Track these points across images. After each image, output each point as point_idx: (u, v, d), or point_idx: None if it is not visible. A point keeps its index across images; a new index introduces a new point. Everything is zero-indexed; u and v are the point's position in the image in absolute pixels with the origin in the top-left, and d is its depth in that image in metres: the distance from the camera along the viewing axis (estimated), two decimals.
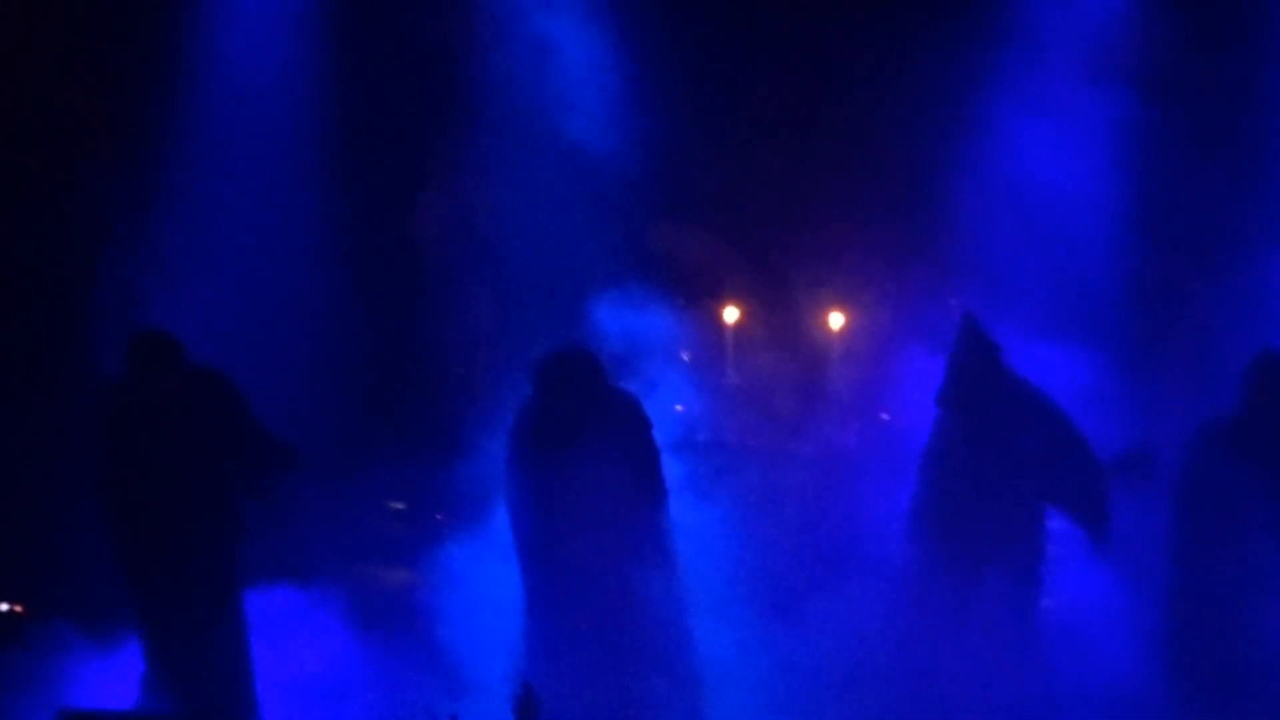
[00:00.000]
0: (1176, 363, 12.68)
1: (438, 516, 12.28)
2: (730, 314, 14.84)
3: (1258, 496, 11.00)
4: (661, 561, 11.53)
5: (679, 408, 12.36)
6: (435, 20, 13.14)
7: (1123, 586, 11.58)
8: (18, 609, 13.09)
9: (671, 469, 11.74)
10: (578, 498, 11.43)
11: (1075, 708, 11.27)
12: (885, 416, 13.11)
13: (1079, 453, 11.41)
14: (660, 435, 11.71)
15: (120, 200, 13.57)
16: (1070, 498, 11.42)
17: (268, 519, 11.56)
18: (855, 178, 13.89)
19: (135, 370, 11.48)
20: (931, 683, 11.20)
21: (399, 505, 13.21)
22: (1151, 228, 12.82)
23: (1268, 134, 12.70)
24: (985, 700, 11.02)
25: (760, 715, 11.40)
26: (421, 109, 13.40)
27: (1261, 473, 11.06)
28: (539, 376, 11.65)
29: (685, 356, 12.65)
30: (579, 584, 11.33)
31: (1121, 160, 12.83)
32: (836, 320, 15.20)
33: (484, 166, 12.99)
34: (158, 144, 13.50)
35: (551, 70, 12.75)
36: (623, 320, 12.18)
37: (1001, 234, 12.74)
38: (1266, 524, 10.97)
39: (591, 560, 11.35)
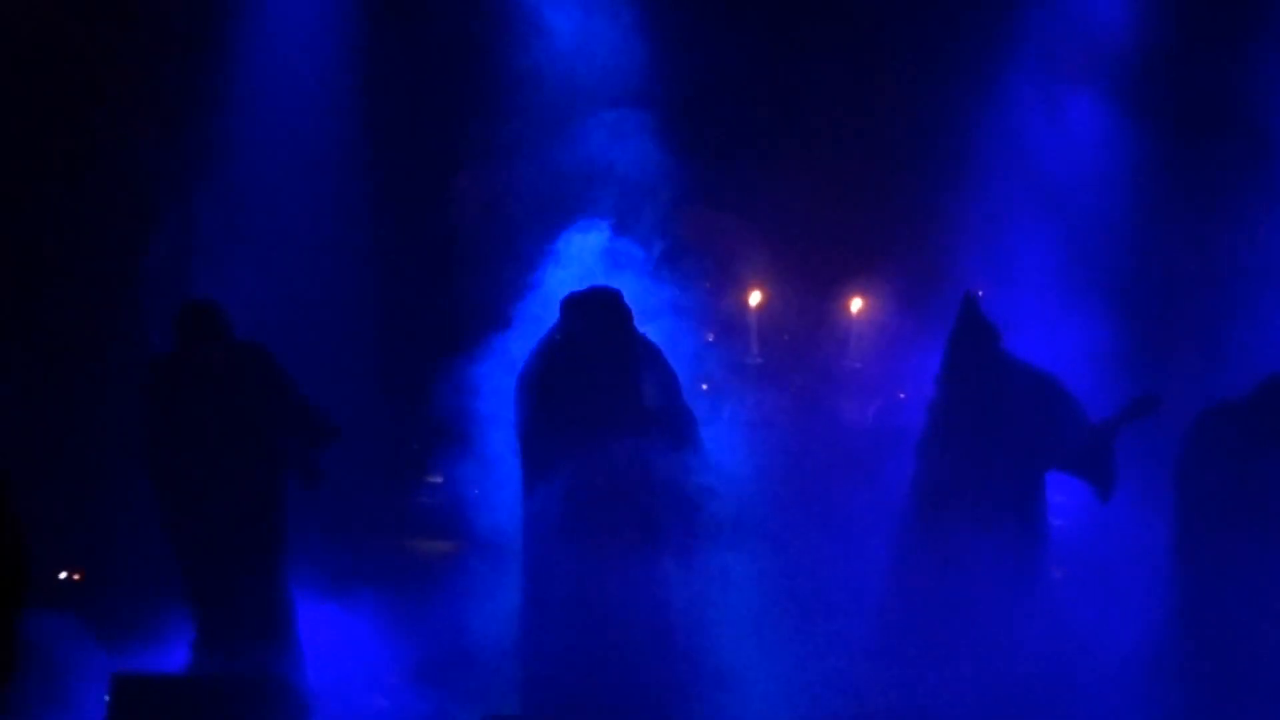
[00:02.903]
0: (1182, 342, 13.05)
1: (475, 491, 12.27)
2: (754, 297, 15.08)
3: (1258, 478, 11.19)
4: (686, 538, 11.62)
5: (704, 386, 12.61)
6: (466, 15, 13.35)
7: (1130, 559, 11.93)
8: (76, 576, 13.39)
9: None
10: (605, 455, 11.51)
11: (1081, 668, 11.50)
12: (902, 395, 13.55)
13: (1078, 416, 11.67)
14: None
15: (168, 184, 14.03)
16: (1071, 458, 11.73)
17: (310, 489, 11.79)
18: (876, 167, 14.31)
19: (182, 341, 11.77)
20: (933, 630, 11.52)
21: (437, 479, 13.36)
22: (1157, 211, 13.10)
23: (1266, 118, 12.89)
24: (993, 653, 11.29)
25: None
26: (453, 98, 13.62)
27: (1262, 457, 11.23)
28: (567, 311, 11.78)
29: (710, 336, 12.93)
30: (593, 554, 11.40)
31: (1126, 147, 13.12)
32: (856, 304, 15.60)
33: (513, 153, 13.12)
34: (203, 131, 13.84)
35: (579, 62, 12.92)
36: (649, 301, 12.33)
37: (1017, 219, 13.08)
38: (1264, 505, 11.16)
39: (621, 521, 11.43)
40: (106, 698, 11.12)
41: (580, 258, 12.37)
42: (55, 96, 14.08)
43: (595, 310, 11.68)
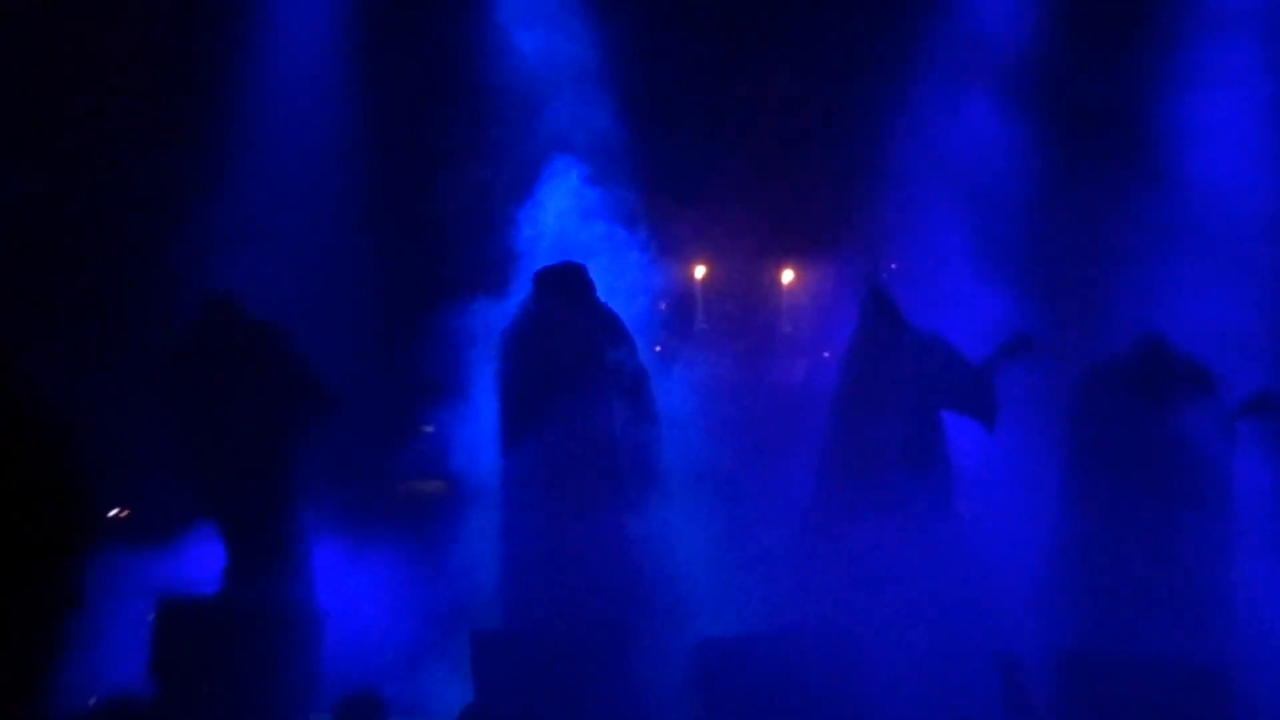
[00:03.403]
0: (1073, 309, 13.25)
1: (464, 437, 12.61)
2: (699, 271, 15.43)
3: (1137, 429, 11.66)
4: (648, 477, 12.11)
5: (657, 348, 13.03)
6: (450, 27, 13.63)
7: (1028, 502, 12.40)
8: (124, 513, 13.64)
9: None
10: (569, 413, 11.99)
11: (989, 595, 11.89)
12: (826, 355, 13.57)
13: (967, 369, 12.14)
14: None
15: (191, 185, 14.29)
16: (959, 398, 12.20)
17: (319, 444, 12.35)
18: (805, 156, 14.62)
19: (205, 325, 12.30)
20: (854, 567, 11.87)
21: (429, 428, 13.39)
22: (1052, 198, 13.38)
23: (1143, 114, 13.14)
24: (906, 582, 11.71)
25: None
26: (439, 104, 13.94)
27: (1140, 409, 11.71)
28: (539, 284, 12.22)
29: (663, 305, 13.22)
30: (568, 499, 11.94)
31: (1023, 142, 13.35)
32: (788, 276, 15.91)
33: (492, 153, 13.49)
34: (221, 139, 14.23)
35: (548, 71, 13.14)
36: (610, 276, 12.70)
37: (929, 201, 13.30)
38: (1145, 453, 11.63)
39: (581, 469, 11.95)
40: (151, 617, 11.59)
41: (556, 197, 12.83)
42: (95, 113, 14.45)
43: (562, 284, 12.22)
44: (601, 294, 12.40)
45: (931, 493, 12.12)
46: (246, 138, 14.22)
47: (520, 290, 12.63)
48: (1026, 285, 13.02)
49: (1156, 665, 10.67)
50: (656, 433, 12.23)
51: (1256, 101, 13.00)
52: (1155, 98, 13.05)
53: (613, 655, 11.42)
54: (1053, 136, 13.40)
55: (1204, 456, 11.59)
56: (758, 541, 12.36)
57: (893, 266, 13.16)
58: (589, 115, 13.03)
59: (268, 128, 14.16)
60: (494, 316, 12.63)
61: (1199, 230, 12.89)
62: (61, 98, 14.31)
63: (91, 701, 9.61)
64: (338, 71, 14.43)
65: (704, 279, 15.35)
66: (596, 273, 12.41)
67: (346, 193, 14.47)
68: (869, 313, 12.38)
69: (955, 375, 12.26)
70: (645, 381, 12.24)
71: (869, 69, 13.84)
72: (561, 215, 12.80)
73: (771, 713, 10.74)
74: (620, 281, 12.69)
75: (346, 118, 14.49)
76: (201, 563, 12.47)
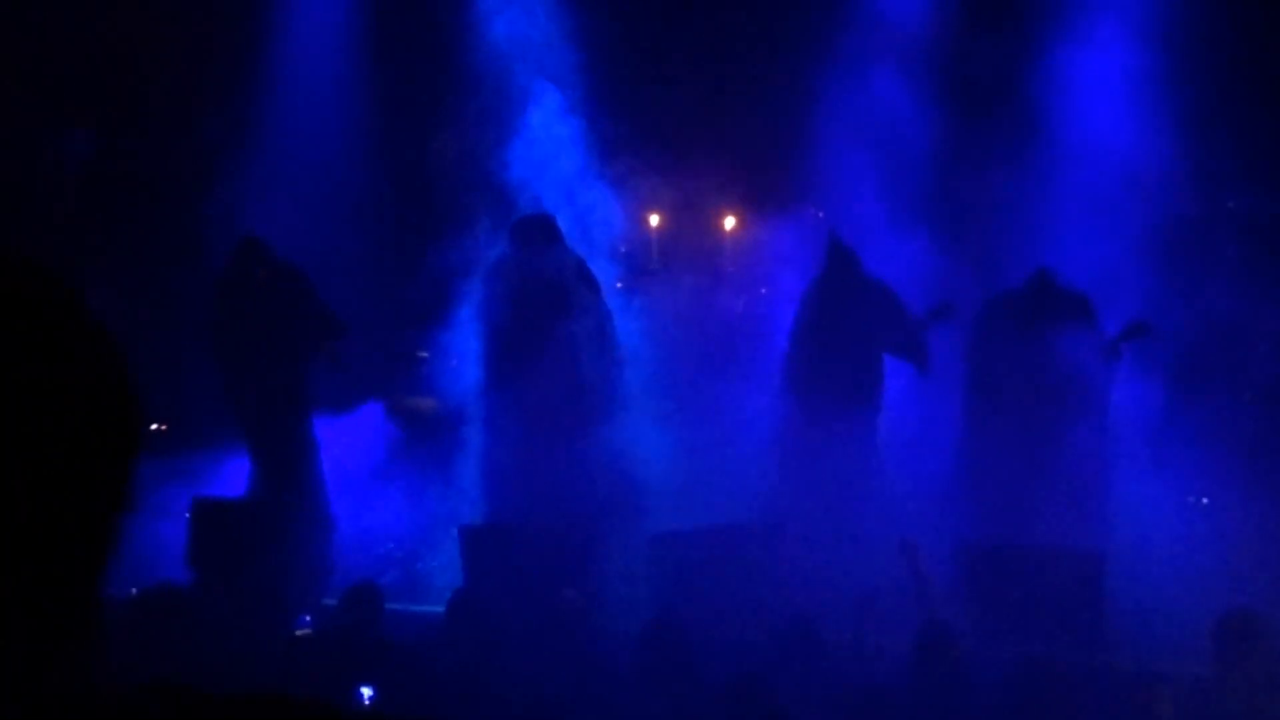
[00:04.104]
0: (972, 249, 14.03)
1: (453, 362, 13.50)
2: (654, 218, 16.43)
3: (1027, 352, 12.14)
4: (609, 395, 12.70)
5: (619, 284, 13.91)
6: (447, 6, 14.20)
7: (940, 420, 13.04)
8: (163, 427, 14.61)
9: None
10: (546, 345, 12.47)
11: (901, 497, 12.66)
12: (763, 290, 14.68)
13: (904, 315, 12.86)
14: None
15: (225, 139, 15.05)
16: (900, 346, 12.96)
17: (330, 367, 13.04)
18: (746, 112, 15.34)
19: (236, 265, 12.96)
20: (802, 476, 12.58)
21: (424, 354, 14.40)
22: (956, 157, 14.11)
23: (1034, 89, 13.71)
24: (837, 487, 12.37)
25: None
26: (435, 72, 14.49)
27: (1030, 336, 12.15)
28: (516, 233, 12.83)
29: (623, 249, 14.20)
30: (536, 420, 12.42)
31: (932, 111, 14.17)
32: (730, 221, 17.22)
33: (482, 118, 13.96)
34: (252, 98, 15.14)
35: (530, 44, 13.75)
36: (582, 223, 13.46)
37: (851, 152, 13.99)
38: (1035, 373, 12.04)
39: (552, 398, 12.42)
40: (188, 515, 12.34)
41: (542, 127, 13.36)
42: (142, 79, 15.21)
43: (536, 233, 12.86)
44: (571, 237, 12.97)
45: (867, 415, 12.83)
46: (270, 104, 15.11)
47: (501, 232, 13.23)
48: (932, 231, 13.72)
49: (1040, 552, 11.14)
50: (619, 369, 12.83)
51: (1125, 65, 13.64)
52: (1038, 64, 13.73)
53: (583, 546, 12.02)
54: (951, 102, 14.14)
55: (1085, 375, 12.05)
56: (710, 454, 12.88)
57: (820, 214, 14.11)
58: (572, 85, 13.59)
59: (293, 89, 15.06)
60: (480, 254, 13.27)
61: (1079, 179, 13.65)
62: (113, 66, 15.15)
63: (134, 591, 9.92)
64: (349, 44, 15.38)
65: (659, 225, 16.40)
66: (568, 210, 13.01)
67: (358, 151, 15.33)
68: (833, 261, 12.95)
69: (897, 324, 12.83)
70: (609, 323, 12.83)
71: (795, 43, 14.55)
72: (541, 143, 13.33)
73: (715, 591, 11.26)
74: (590, 218, 13.29)
75: (359, 85, 15.50)
76: (231, 477, 13.16)
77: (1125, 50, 13.45)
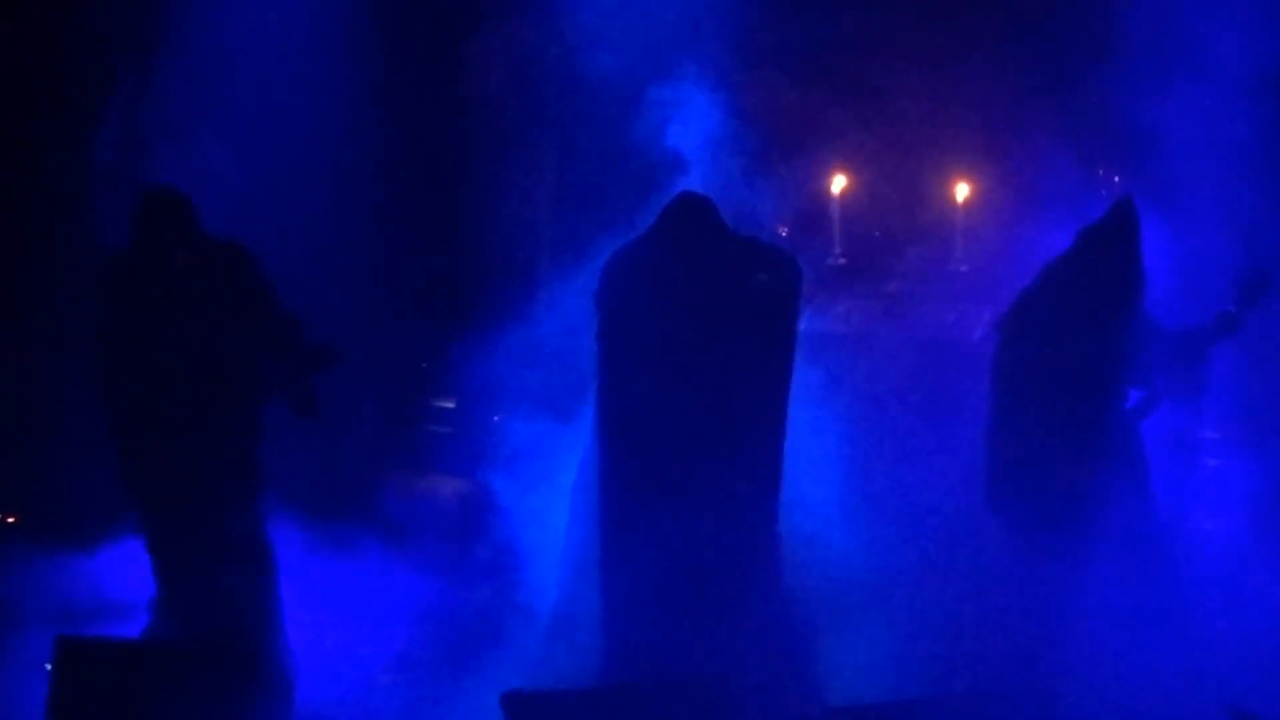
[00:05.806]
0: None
1: (494, 418, 11.67)
2: (838, 183, 13.76)
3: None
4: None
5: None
6: None
7: None
8: (10, 520, 12.80)
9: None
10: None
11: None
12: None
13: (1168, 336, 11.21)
14: None
15: (123, 42, 12.84)
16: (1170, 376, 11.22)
17: (295, 419, 10.89)
18: (983, 19, 13.42)
19: (142, 236, 10.74)
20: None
21: (448, 404, 13.07)
22: None
23: None
24: None
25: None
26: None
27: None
28: (662, 220, 10.84)
29: (783, 231, 12.28)
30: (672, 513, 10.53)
31: None
32: (962, 191, 14.07)
33: (542, 4, 12.47)
34: None
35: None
36: (713, 187, 11.22)
37: (1148, 101, 11.93)
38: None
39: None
40: (49, 666, 9.77)
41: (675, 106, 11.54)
42: None
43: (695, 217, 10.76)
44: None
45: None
46: None
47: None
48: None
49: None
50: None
51: None
52: None
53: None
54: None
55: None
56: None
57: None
58: None
59: None
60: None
61: None
62: None
63: None
64: None
65: (843, 193, 13.84)
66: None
67: (341, 62, 13.11)
68: (1108, 237, 11.04)
69: (1159, 344, 11.39)
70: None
71: None
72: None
73: None
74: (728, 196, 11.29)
75: None
76: (122, 581, 11.49)
77: None
